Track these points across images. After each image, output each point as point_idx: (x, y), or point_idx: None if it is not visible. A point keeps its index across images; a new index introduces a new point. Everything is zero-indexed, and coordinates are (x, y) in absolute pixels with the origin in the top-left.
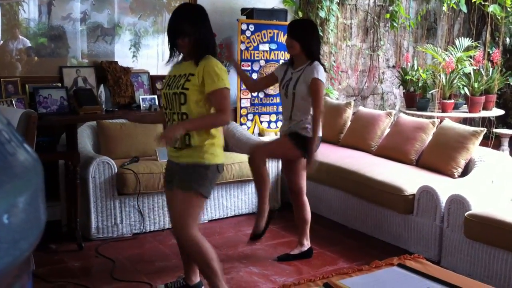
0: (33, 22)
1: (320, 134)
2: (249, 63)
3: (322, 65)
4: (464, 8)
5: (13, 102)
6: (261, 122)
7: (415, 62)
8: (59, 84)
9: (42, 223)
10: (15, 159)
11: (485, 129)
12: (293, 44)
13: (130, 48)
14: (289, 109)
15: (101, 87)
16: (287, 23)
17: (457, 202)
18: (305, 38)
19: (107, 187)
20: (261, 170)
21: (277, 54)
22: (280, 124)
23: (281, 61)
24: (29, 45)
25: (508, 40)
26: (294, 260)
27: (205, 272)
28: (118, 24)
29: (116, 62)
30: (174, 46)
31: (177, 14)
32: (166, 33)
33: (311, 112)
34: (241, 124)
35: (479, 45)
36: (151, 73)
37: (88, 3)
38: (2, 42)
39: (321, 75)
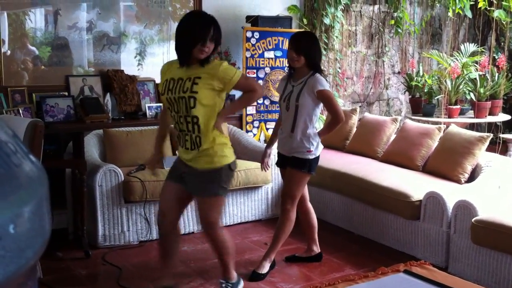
0: (39, 31)
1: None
2: (255, 71)
3: (324, 76)
4: (469, 14)
5: (20, 111)
6: (267, 129)
7: (421, 68)
8: (66, 93)
9: (47, 232)
10: (21, 170)
11: (491, 134)
12: (299, 58)
13: (135, 57)
14: (291, 122)
15: (107, 96)
16: (292, 30)
17: (464, 207)
18: (309, 51)
19: (114, 195)
20: (305, 214)
21: (282, 61)
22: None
23: (286, 69)
24: (37, 53)
25: None
26: (302, 262)
27: (224, 260)
28: (124, 33)
29: (122, 70)
30: (191, 51)
31: (207, 20)
32: (177, 40)
33: (312, 127)
34: (247, 131)
35: (484, 50)
36: (157, 81)
37: (94, 12)
38: (9, 51)
39: (326, 85)
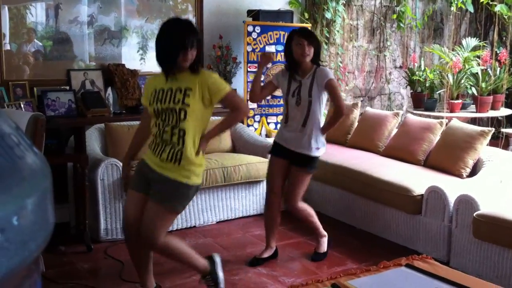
0: (40, 25)
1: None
2: (256, 65)
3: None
4: (470, 8)
5: (22, 105)
6: (268, 123)
7: (422, 62)
8: (67, 87)
9: (50, 224)
10: (24, 162)
11: (493, 129)
12: (311, 51)
13: (138, 51)
14: (302, 117)
15: (109, 90)
16: (294, 24)
17: (466, 202)
18: (318, 44)
19: (116, 189)
20: (303, 210)
21: (284, 55)
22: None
23: (285, 66)
24: (42, 48)
25: None
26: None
27: (186, 263)
28: (125, 27)
29: (123, 64)
30: (176, 60)
31: (184, 27)
32: (158, 52)
33: (321, 123)
34: (248, 125)
35: (486, 44)
36: None
37: (95, 6)
38: (9, 46)
39: (333, 75)
